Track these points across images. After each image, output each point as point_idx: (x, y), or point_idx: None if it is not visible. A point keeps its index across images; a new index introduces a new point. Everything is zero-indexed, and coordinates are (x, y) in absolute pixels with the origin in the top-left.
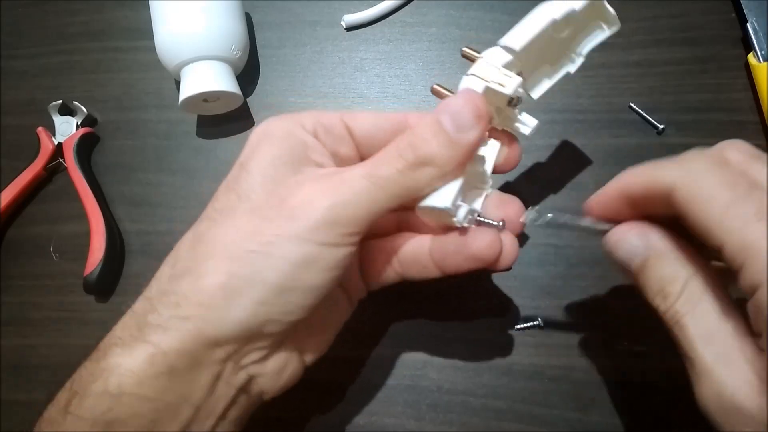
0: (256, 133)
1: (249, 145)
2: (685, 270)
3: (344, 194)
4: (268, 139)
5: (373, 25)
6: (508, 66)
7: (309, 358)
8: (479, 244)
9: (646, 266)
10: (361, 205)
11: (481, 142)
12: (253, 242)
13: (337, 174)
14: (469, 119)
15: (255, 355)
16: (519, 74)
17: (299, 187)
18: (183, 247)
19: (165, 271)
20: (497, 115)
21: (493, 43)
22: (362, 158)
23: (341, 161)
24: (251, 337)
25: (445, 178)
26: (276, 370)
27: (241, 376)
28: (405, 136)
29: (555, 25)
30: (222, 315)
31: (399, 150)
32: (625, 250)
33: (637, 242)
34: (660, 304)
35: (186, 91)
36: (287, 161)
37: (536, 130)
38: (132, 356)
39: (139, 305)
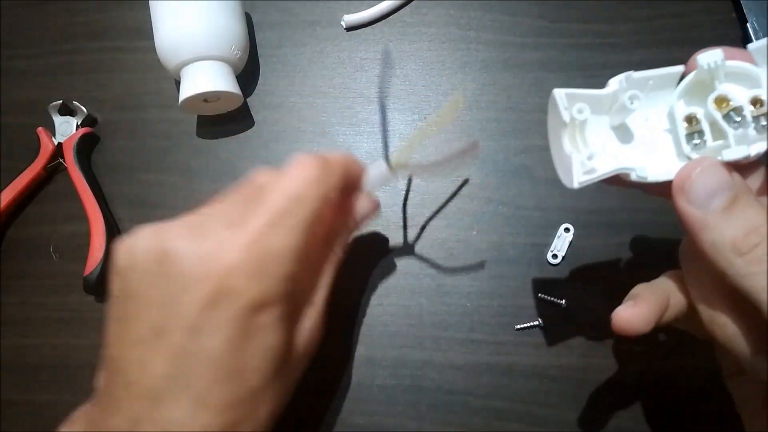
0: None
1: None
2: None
3: None
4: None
5: (373, 25)
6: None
7: None
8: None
9: (734, 206)
10: None
11: None
12: None
13: None
14: None
15: None
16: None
17: None
18: None
19: None
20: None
21: (492, 41)
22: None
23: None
24: None
25: None
26: None
27: None
28: None
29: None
30: None
31: None
32: (706, 187)
33: (723, 176)
34: (749, 251)
35: (186, 91)
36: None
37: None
38: None
39: None
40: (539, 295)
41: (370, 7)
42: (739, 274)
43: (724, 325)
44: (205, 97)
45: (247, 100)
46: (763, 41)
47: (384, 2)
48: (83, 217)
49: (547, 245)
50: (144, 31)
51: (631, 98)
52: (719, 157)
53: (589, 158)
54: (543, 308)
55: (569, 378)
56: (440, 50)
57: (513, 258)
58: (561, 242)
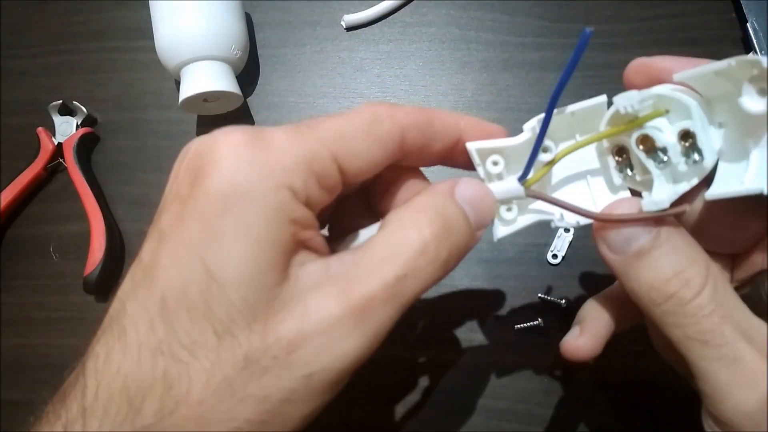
0: (220, 193)
1: (209, 208)
2: (703, 254)
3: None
4: (241, 215)
5: (373, 25)
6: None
7: None
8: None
9: (653, 250)
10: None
11: None
12: None
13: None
14: None
15: None
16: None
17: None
18: None
19: None
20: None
21: (492, 41)
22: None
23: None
24: None
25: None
26: None
27: None
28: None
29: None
30: None
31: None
32: (622, 232)
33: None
34: (665, 301)
35: (186, 91)
36: (275, 257)
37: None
38: None
39: None
40: (539, 295)
41: (370, 7)
42: (659, 323)
43: (663, 346)
44: (205, 97)
45: (247, 100)
46: (692, 71)
47: (384, 2)
48: (83, 217)
49: (547, 245)
50: (144, 31)
51: (544, 149)
52: (642, 198)
53: (508, 209)
54: (543, 308)
55: (569, 378)
56: (440, 50)
57: (513, 258)
58: (561, 242)
